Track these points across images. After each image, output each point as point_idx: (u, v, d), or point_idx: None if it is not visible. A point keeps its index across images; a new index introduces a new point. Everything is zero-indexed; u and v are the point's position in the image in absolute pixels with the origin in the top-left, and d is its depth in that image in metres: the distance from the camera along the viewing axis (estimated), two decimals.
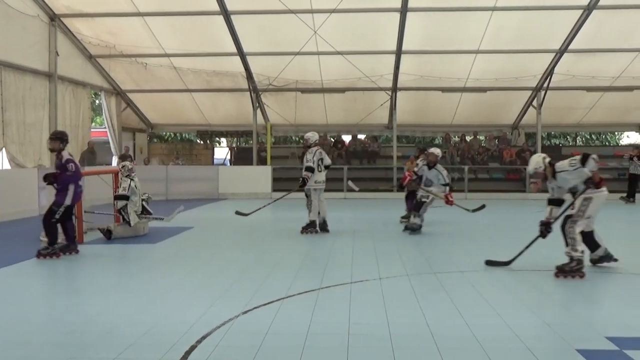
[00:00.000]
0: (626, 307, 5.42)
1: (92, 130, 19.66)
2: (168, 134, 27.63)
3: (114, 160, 20.03)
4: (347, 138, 22.95)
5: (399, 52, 17.41)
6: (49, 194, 10.53)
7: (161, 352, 4.12)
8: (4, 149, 14.02)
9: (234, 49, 17.39)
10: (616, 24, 16.07)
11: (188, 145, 27.22)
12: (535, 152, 20.50)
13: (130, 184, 9.95)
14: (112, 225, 10.06)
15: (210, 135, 26.41)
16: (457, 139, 22.80)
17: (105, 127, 20.83)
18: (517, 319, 4.99)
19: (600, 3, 15.02)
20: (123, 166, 10.43)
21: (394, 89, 19.31)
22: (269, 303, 5.49)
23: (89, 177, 11.91)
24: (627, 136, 32.29)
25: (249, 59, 18.04)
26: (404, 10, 15.43)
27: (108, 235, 9.69)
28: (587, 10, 15.43)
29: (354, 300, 5.63)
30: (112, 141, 19.98)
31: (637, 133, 26.30)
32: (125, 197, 9.88)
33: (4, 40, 13.70)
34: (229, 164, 23.87)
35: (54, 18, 15.75)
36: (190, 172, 19.40)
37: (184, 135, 29.39)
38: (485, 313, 5.19)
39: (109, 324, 4.84)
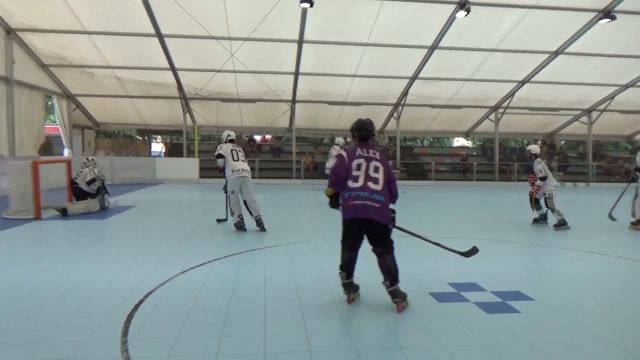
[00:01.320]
0: (459, 262, 5.74)
1: (46, 126, 18.00)
2: (112, 131, 25.91)
3: (65, 152, 18.55)
4: (257, 137, 22.90)
5: (296, 73, 17.42)
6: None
7: (115, 305, 3.91)
8: None
9: (167, 65, 16.60)
10: (450, 60, 16.97)
11: (129, 140, 25.80)
12: (395, 151, 21.44)
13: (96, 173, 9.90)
14: (67, 204, 9.33)
15: (148, 133, 25.14)
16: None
17: (57, 124, 19.19)
18: None
19: (440, 44, 15.83)
20: (92, 159, 10.25)
21: (293, 101, 19.34)
22: (201, 264, 5.36)
23: (45, 164, 10.93)
24: (457, 140, 34.37)
25: (180, 73, 17.31)
26: (300, 42, 15.47)
27: (64, 212, 8.98)
28: (431, 49, 16.21)
29: (267, 261, 5.62)
30: (63, 136, 18.41)
31: (464, 138, 28.13)
32: (95, 180, 9.77)
33: None
34: (163, 156, 22.89)
35: (9, 31, 14.18)
36: (132, 162, 18.38)
37: (125, 132, 27.70)
38: (364, 268, 5.33)
39: (68, 285, 4.49)
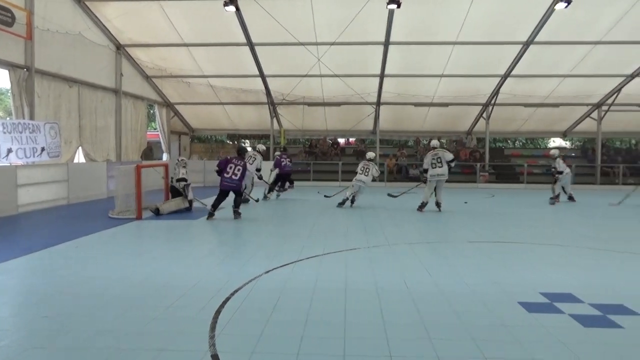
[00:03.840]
0: (554, 270, 5.41)
1: (147, 133, 19.54)
2: (205, 136, 27.50)
3: (165, 156, 19.99)
4: (341, 140, 23.15)
5: (382, 76, 17.31)
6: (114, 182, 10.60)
7: (205, 300, 4.15)
8: (80, 147, 13.98)
9: (256, 72, 17.28)
10: (547, 56, 15.93)
11: (220, 144, 27.19)
12: (484, 153, 20.54)
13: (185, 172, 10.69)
14: (159, 204, 10.06)
15: (237, 137, 26.33)
16: (425, 142, 22.72)
17: (157, 131, 20.77)
18: (471, 278, 5.00)
19: (535, 39, 14.94)
20: (182, 159, 11.08)
21: (378, 103, 19.23)
22: (285, 265, 5.51)
23: (146, 168, 11.84)
24: (553, 141, 32.12)
25: (268, 79, 17.93)
26: (386, 44, 15.35)
27: (157, 212, 9.72)
28: (526, 45, 15.33)
29: (348, 263, 5.65)
30: (163, 142, 19.92)
31: (560, 139, 26.26)
32: (185, 180, 10.53)
33: (81, 64, 13.60)
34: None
35: (119, 47, 15.62)
36: None
37: (217, 137, 29.26)
38: (448, 273, 5.20)
39: (163, 280, 4.84)
